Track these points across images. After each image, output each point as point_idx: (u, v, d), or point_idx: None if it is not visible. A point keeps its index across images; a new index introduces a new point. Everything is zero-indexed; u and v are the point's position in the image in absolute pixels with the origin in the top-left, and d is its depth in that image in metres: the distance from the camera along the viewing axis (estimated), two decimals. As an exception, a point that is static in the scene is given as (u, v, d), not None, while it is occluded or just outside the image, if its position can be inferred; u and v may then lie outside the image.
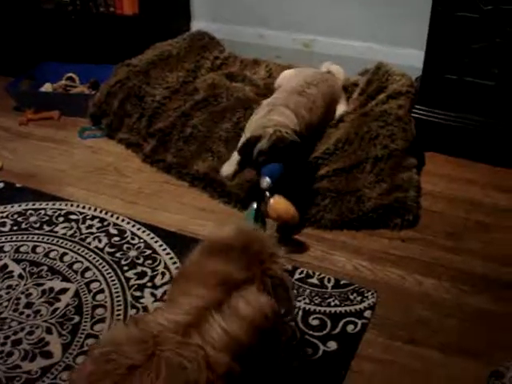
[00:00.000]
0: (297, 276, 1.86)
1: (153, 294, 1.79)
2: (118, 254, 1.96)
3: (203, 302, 1.18)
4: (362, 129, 2.28)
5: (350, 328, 1.67)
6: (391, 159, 2.18)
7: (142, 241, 2.01)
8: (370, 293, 1.79)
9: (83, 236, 2.05)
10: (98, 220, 2.13)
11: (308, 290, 1.81)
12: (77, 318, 1.72)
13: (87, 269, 1.90)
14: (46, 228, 2.09)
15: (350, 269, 1.91)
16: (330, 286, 1.82)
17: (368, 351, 1.61)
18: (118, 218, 2.13)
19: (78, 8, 3.02)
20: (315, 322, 1.69)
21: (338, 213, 2.09)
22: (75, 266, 1.91)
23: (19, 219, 2.14)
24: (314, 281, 1.84)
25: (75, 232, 2.07)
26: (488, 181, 2.32)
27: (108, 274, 1.88)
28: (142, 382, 1.06)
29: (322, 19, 3.03)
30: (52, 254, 1.97)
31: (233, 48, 3.03)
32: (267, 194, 1.92)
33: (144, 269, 1.89)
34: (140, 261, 1.93)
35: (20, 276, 1.88)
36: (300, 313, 1.72)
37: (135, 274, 1.88)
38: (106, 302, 1.77)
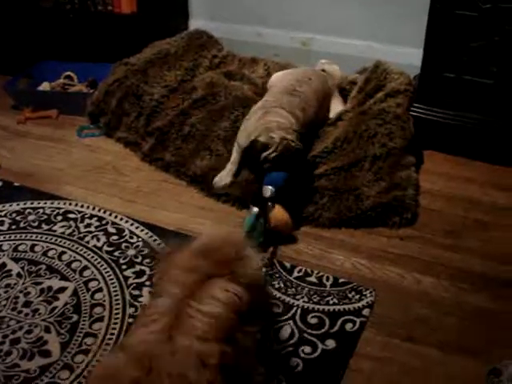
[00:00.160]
0: (295, 274, 1.86)
1: (151, 293, 1.79)
2: (116, 253, 1.96)
3: (177, 297, 1.19)
4: (360, 127, 2.27)
5: (348, 326, 1.67)
6: (390, 157, 2.18)
7: (140, 239, 2.01)
8: (368, 291, 1.79)
9: (81, 235, 2.05)
10: (96, 219, 2.12)
11: (306, 289, 1.80)
12: (75, 317, 1.71)
13: (85, 267, 1.90)
14: (45, 227, 2.09)
15: (349, 267, 1.90)
16: (328, 284, 1.82)
17: (367, 349, 1.61)
18: (116, 217, 2.13)
19: (76, 6, 3.03)
20: (314, 321, 1.69)
21: (337, 211, 2.08)
22: (73, 265, 1.91)
23: (17, 218, 2.13)
24: (313, 279, 1.84)
25: (73, 231, 2.07)
26: (486, 179, 2.32)
27: (106, 272, 1.88)
28: None
29: (320, 18, 3.03)
30: (50, 253, 1.97)
31: (231, 46, 3.03)
32: (270, 204, 1.92)
33: (142, 267, 1.89)
34: (138, 259, 1.93)
35: (18, 275, 1.88)
36: (298, 311, 1.72)
37: (133, 272, 1.87)
38: (104, 300, 1.77)
